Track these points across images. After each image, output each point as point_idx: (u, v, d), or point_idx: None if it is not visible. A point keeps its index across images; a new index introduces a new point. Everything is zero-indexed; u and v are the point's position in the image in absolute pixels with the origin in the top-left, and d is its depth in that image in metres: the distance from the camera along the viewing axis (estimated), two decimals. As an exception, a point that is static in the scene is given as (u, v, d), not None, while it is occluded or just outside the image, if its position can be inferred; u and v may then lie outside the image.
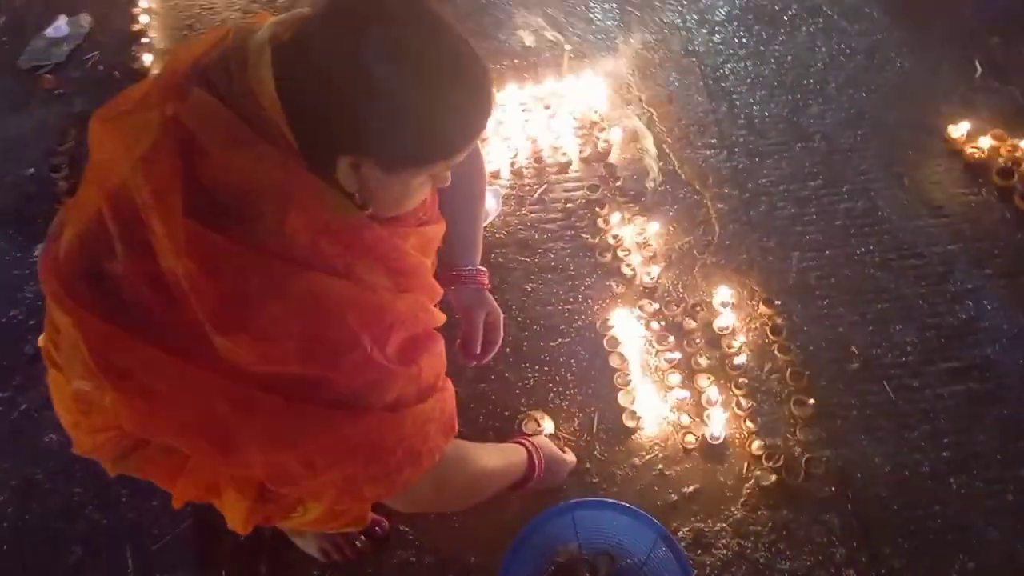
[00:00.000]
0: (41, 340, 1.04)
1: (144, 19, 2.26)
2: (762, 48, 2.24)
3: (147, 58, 2.16)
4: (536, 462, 1.34)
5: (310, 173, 0.85)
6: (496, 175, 1.98)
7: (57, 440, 1.54)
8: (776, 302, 1.74)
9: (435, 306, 1.06)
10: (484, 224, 1.65)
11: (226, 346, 0.84)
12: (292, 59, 0.81)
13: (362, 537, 1.43)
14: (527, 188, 1.97)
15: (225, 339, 0.83)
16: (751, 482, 1.51)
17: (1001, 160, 1.94)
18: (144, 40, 2.22)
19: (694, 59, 2.22)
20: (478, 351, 1.36)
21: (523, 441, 1.38)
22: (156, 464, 1.11)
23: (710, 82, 2.17)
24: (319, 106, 0.81)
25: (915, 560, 1.43)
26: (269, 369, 0.85)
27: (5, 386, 1.62)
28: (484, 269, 1.38)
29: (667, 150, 2.02)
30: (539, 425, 1.58)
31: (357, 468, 0.93)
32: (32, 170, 1.98)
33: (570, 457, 1.49)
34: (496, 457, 1.26)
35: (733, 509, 1.49)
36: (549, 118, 2.08)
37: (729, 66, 2.20)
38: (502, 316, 1.39)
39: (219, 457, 0.92)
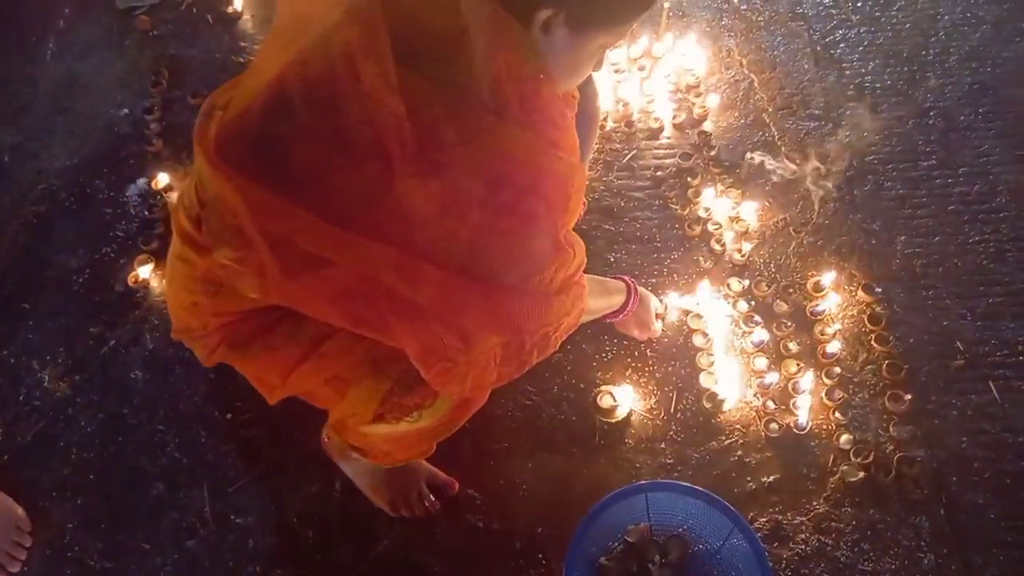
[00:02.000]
0: (176, 216, 1.03)
1: (238, -37, 2.25)
2: (878, 14, 2.08)
3: (239, 2, 2.16)
4: (631, 301, 1.41)
5: (514, 22, 0.86)
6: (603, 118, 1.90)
7: (143, 377, 1.58)
8: (877, 289, 1.63)
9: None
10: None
11: (411, 192, 0.84)
12: None
13: (431, 497, 1.42)
14: (615, 153, 1.89)
15: (415, 181, 0.83)
16: (836, 476, 1.44)
17: None
18: (237, -16, 2.21)
19: (802, 23, 2.07)
20: None
21: (626, 280, 1.43)
22: (276, 351, 1.08)
23: (818, 48, 2.02)
24: None
25: (1010, 572, 1.35)
26: (443, 226, 0.85)
27: (96, 321, 1.66)
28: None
29: (767, 119, 1.91)
30: (615, 400, 1.53)
31: (498, 348, 0.96)
32: (126, 111, 2.00)
33: (656, 324, 1.56)
34: (602, 299, 1.34)
35: (815, 503, 1.42)
36: (642, 80, 1.99)
37: (840, 32, 2.05)
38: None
39: (377, 326, 0.93)
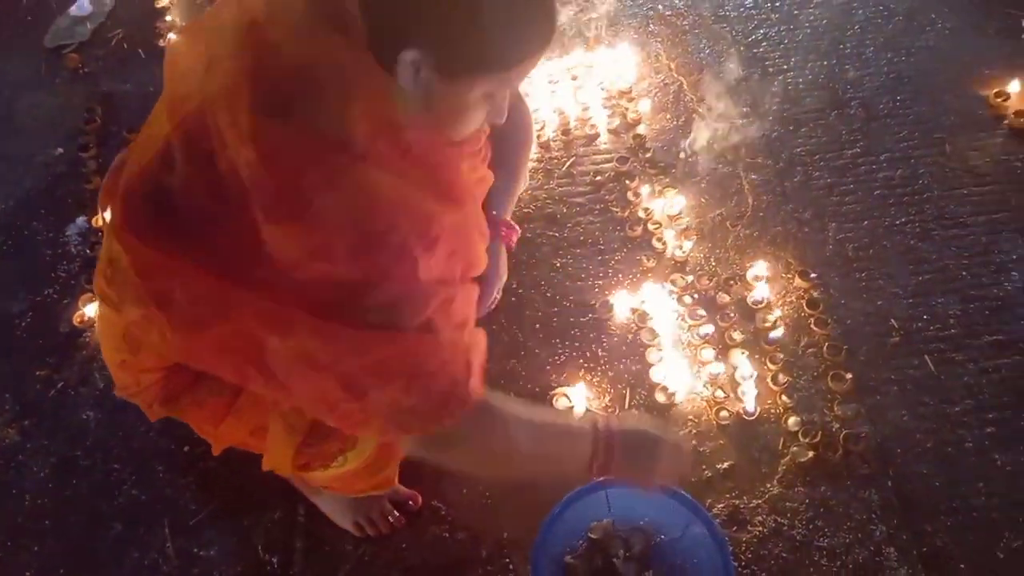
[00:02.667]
0: (95, 281, 1.05)
1: (167, -5, 2.24)
2: (796, 12, 2.17)
3: (171, 35, 2.15)
4: (599, 450, 1.05)
5: (379, 67, 0.84)
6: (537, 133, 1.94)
7: (95, 417, 1.56)
8: (812, 275, 1.70)
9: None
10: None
11: (276, 239, 0.84)
12: None
13: (395, 512, 1.43)
14: (555, 161, 1.93)
15: (277, 229, 0.83)
16: (787, 458, 1.49)
17: (1049, 124, 1.87)
18: (167, 17, 2.21)
19: (725, 24, 2.15)
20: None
21: (597, 421, 1.07)
22: (203, 407, 1.11)
23: (742, 48, 2.10)
24: None
25: (958, 538, 1.40)
26: (314, 271, 0.85)
27: (42, 365, 1.63)
28: (514, 226, 1.33)
29: (697, 119, 1.97)
30: (570, 401, 1.56)
31: (399, 392, 0.91)
32: (61, 150, 1.98)
33: (679, 441, 1.16)
34: (547, 444, 1.07)
35: (769, 486, 1.46)
36: (576, 89, 2.04)
37: (762, 31, 2.13)
38: (503, 278, 1.36)
39: (262, 381, 0.93)
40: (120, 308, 0.98)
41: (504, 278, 1.37)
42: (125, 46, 2.19)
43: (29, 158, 1.97)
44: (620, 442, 1.06)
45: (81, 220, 1.83)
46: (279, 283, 0.85)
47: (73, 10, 2.24)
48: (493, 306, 1.38)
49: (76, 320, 1.67)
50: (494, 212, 1.31)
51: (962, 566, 1.37)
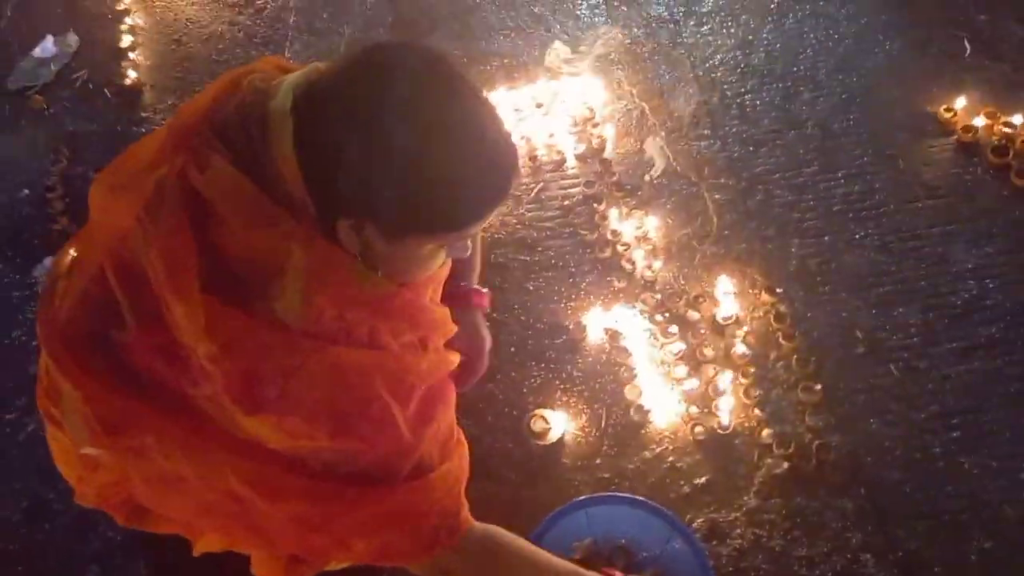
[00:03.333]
0: (38, 395, 1.01)
1: (130, 37, 2.25)
2: (750, 37, 2.24)
3: (133, 74, 2.15)
4: None
5: (333, 245, 0.80)
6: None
7: (65, 460, 1.53)
8: (778, 290, 1.74)
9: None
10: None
11: (252, 427, 0.81)
12: (312, 124, 0.77)
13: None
14: (524, 187, 1.96)
15: (253, 419, 0.80)
16: (763, 470, 1.51)
17: (995, 138, 1.95)
18: (132, 56, 2.21)
19: (683, 51, 2.22)
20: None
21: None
22: (172, 522, 1.08)
23: (700, 73, 2.16)
24: (329, 164, 0.76)
25: (931, 541, 1.43)
26: (298, 447, 0.83)
27: (10, 408, 1.61)
28: (480, 289, 1.30)
29: (660, 143, 2.02)
30: (547, 423, 1.58)
31: (392, 537, 0.91)
32: (27, 191, 1.97)
33: None
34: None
35: (746, 498, 1.49)
36: (542, 116, 2.08)
37: (718, 56, 2.20)
38: (488, 343, 1.30)
39: (250, 538, 0.91)
40: (72, 440, 0.92)
41: (488, 342, 1.31)
42: (90, 86, 2.19)
43: (-7, 200, 1.95)
44: None
45: (48, 261, 1.81)
46: (260, 447, 0.82)
47: (37, 52, 2.23)
48: (482, 372, 1.33)
49: (39, 397, 1.63)
50: (462, 284, 1.27)
51: (937, 569, 1.40)
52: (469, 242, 0.91)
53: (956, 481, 1.49)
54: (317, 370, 0.80)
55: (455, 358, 1.02)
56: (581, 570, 1.10)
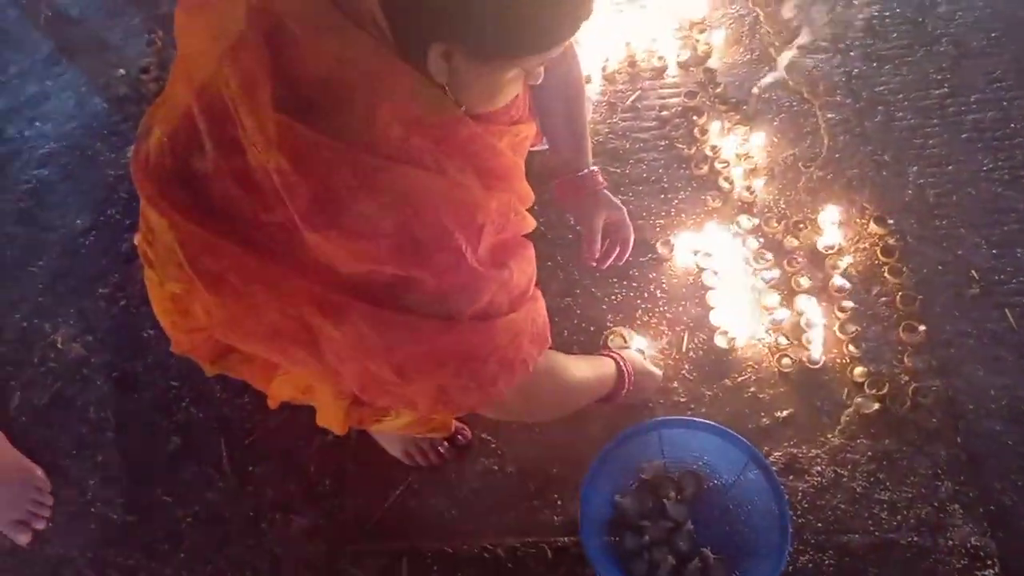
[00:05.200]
0: (137, 239, 1.04)
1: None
2: (886, -60, 2.01)
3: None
4: (626, 374, 1.30)
5: (403, 63, 0.80)
6: (587, 80, 1.87)
7: (155, 335, 1.58)
8: (889, 221, 1.61)
9: (527, 211, 1.01)
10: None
11: (318, 244, 0.81)
12: None
13: (445, 444, 1.43)
14: (619, 94, 1.86)
15: (317, 236, 0.80)
16: (851, 409, 1.43)
17: None
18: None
19: (808, -47, 2.01)
20: (596, 253, 1.37)
21: (612, 354, 1.34)
22: (252, 364, 1.12)
23: (825, -22, 1.97)
24: None
25: (1027, 498, 1.34)
26: (361, 268, 0.82)
27: (105, 283, 1.66)
28: (596, 169, 1.38)
29: (773, 54, 1.86)
30: (626, 342, 1.53)
31: (448, 378, 0.91)
32: (122, 71, 1.98)
33: (657, 371, 1.44)
34: (586, 369, 1.23)
35: (830, 436, 1.42)
36: (645, 18, 1.95)
37: (848, -40, 1.99)
38: (624, 211, 1.40)
39: (313, 364, 0.91)
40: (162, 277, 0.95)
41: (623, 210, 1.42)
42: (185, -33, 2.16)
43: (92, 80, 1.97)
44: (633, 367, 1.33)
45: (142, 142, 1.84)
46: (331, 274, 0.83)
47: (134, -71, 2.21)
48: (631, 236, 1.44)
49: (136, 241, 1.68)
50: (582, 171, 1.37)
51: (1031, 527, 1.32)
52: (543, 68, 0.89)
53: (1066, 439, 1.38)
54: (384, 189, 0.80)
55: (531, 220, 1.00)
56: (593, 358, 1.32)
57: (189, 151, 0.85)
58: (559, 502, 1.40)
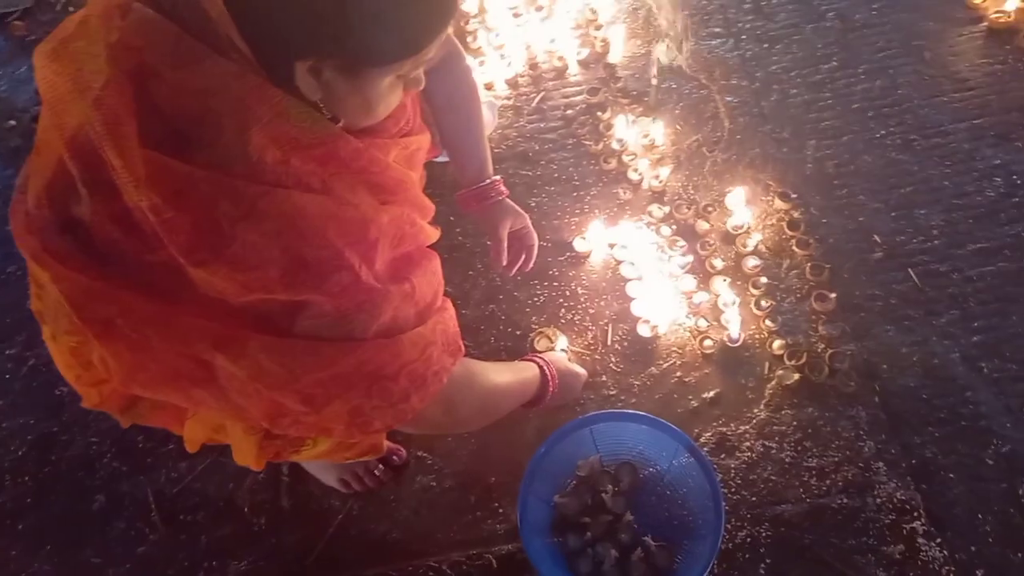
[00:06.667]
0: (32, 302, 1.00)
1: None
2: (766, -77, 2.07)
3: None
4: (549, 377, 1.30)
5: (272, 85, 0.78)
6: (489, 86, 1.88)
7: (69, 392, 1.53)
8: (792, 195, 1.65)
9: (428, 223, 1.00)
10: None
11: (205, 279, 0.79)
12: None
13: (381, 466, 1.42)
14: (523, 97, 1.87)
15: (202, 271, 0.78)
16: (773, 382, 1.47)
17: (1030, 22, 1.81)
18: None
19: (693, -58, 2.06)
20: (504, 262, 1.36)
21: (534, 358, 1.34)
22: (163, 410, 1.09)
23: (711, -35, 2.02)
24: (268, 6, 0.73)
25: (947, 448, 1.39)
26: (253, 298, 0.81)
27: (12, 343, 1.60)
28: (498, 178, 1.36)
29: (669, 44, 1.90)
30: (551, 342, 1.54)
31: (359, 399, 0.89)
32: (13, 122, 1.92)
33: (581, 371, 1.45)
34: (507, 374, 1.23)
35: (756, 411, 1.45)
36: (542, 20, 1.97)
37: (731, -54, 2.04)
38: (527, 218, 1.39)
39: (215, 404, 0.89)
40: (55, 332, 0.93)
41: (527, 218, 1.41)
42: (71, 9, 2.10)
43: (-20, 131, 1.90)
44: (557, 369, 1.33)
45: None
46: (220, 306, 0.81)
47: (12, -25, 2.14)
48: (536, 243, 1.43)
49: (31, 305, 1.62)
50: (483, 181, 1.34)
51: (951, 475, 1.36)
52: (422, 73, 0.88)
53: (975, 387, 1.44)
54: (268, 216, 0.78)
55: (432, 231, 0.99)
56: (514, 363, 1.31)
57: (67, 199, 0.82)
58: (500, 510, 1.40)
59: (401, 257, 0.91)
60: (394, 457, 1.43)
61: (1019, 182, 1.63)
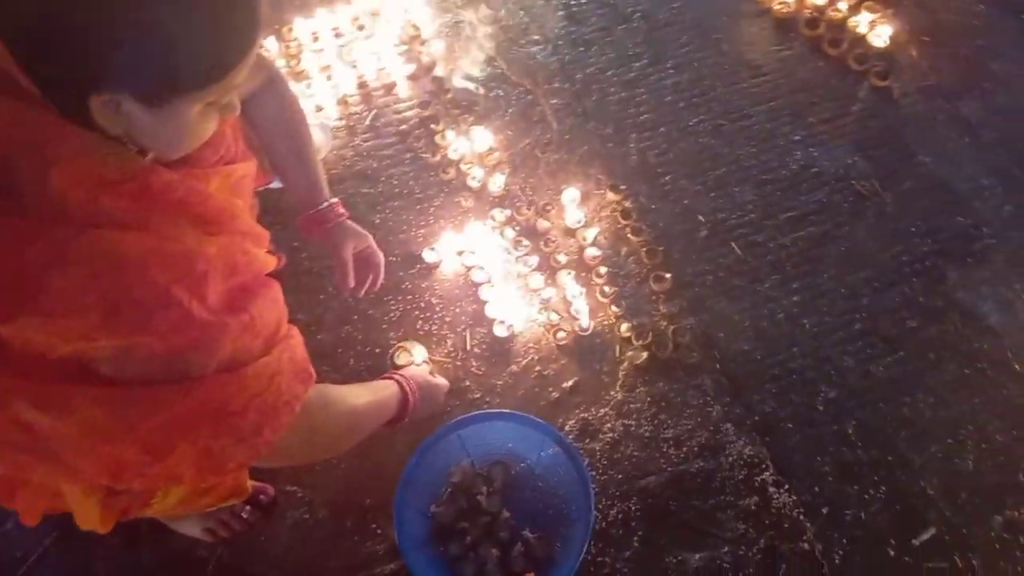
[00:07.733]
0: None
1: None
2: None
3: None
4: (408, 392, 1.30)
5: (70, 123, 0.74)
6: (320, 108, 1.87)
7: None
8: (622, 187, 1.75)
9: (266, 251, 0.98)
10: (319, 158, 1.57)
11: (15, 335, 0.74)
12: None
13: (248, 507, 1.36)
14: (356, 116, 1.87)
15: (10, 327, 0.73)
16: (625, 364, 1.55)
17: (807, 11, 2.01)
18: None
19: (502, -45, 2.14)
20: (351, 284, 1.34)
21: (392, 375, 1.34)
22: None
23: (522, -24, 2.10)
24: (50, 38, 0.68)
25: (783, 400, 1.52)
26: (74, 349, 0.76)
27: None
28: (335, 201, 1.34)
29: (492, 54, 1.96)
30: (411, 355, 1.54)
31: (207, 440, 0.85)
32: None
33: (442, 381, 1.46)
34: (364, 395, 1.21)
35: (613, 393, 1.52)
36: (366, 39, 1.97)
37: (539, -43, 2.14)
38: (371, 237, 1.39)
39: (45, 470, 0.83)
40: None
41: (370, 238, 1.39)
42: None
43: None
44: (416, 383, 1.32)
45: None
46: (36, 362, 0.75)
47: None
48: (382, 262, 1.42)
49: None
50: (321, 205, 1.32)
51: (790, 425, 1.50)
52: (236, 99, 0.85)
53: (800, 342, 1.58)
54: (80, 259, 0.73)
55: (267, 259, 0.96)
56: (371, 383, 1.28)
57: None
58: (379, 531, 1.39)
59: (237, 287, 0.87)
60: (261, 497, 1.38)
61: (815, 154, 1.82)
